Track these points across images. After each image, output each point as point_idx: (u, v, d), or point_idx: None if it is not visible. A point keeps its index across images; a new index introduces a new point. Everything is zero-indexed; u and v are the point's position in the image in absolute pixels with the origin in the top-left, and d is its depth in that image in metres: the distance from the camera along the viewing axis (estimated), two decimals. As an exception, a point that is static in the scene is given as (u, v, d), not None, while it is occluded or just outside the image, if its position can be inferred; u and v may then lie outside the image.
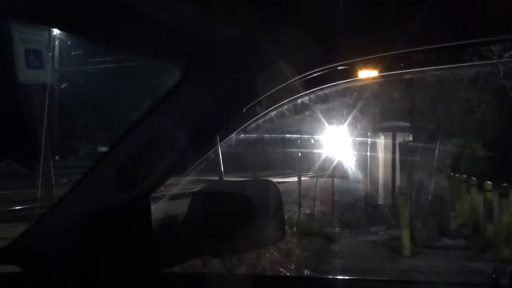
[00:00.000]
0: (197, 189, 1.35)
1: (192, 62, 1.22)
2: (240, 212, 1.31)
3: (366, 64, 1.23)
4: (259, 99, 1.27)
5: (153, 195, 1.37)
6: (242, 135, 1.45)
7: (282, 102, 1.33)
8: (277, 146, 17.82)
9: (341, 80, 1.28)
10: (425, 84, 17.55)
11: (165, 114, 1.28)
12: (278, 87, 1.25)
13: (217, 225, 1.28)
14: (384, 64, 1.24)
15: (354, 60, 1.19)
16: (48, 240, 1.35)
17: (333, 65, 1.19)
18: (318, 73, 1.21)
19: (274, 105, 1.33)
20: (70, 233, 1.32)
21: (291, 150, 16.58)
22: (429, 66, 1.21)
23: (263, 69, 1.20)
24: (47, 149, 9.15)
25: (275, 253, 7.49)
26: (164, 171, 1.32)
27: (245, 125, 1.37)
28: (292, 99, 1.33)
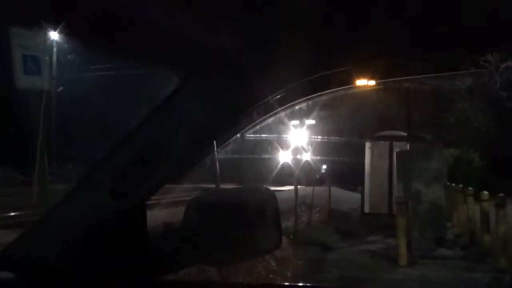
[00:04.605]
0: (192, 196, 1.34)
1: (189, 70, 1.22)
2: (236, 220, 1.31)
3: (364, 71, 1.23)
4: (257, 105, 1.27)
5: (149, 202, 1.36)
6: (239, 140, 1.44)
7: (279, 109, 1.33)
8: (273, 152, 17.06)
9: (339, 87, 1.29)
10: (422, 94, 17.64)
11: (162, 121, 1.28)
12: (275, 94, 1.25)
13: (213, 233, 1.27)
14: (381, 71, 1.25)
15: (352, 67, 1.19)
16: (42, 247, 1.34)
17: (330, 71, 1.19)
18: (315, 80, 1.21)
19: (272, 111, 1.33)
20: (65, 240, 1.32)
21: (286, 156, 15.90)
22: (427, 74, 1.21)
23: (260, 77, 1.20)
24: (43, 155, 9.14)
25: (271, 261, 7.46)
26: (160, 178, 1.31)
27: (242, 131, 1.37)
28: (289, 105, 1.33)
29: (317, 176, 15.62)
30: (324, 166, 17.06)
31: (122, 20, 1.10)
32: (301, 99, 1.31)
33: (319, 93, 1.29)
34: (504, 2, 1.02)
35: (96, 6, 1.02)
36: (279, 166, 14.95)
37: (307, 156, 15.02)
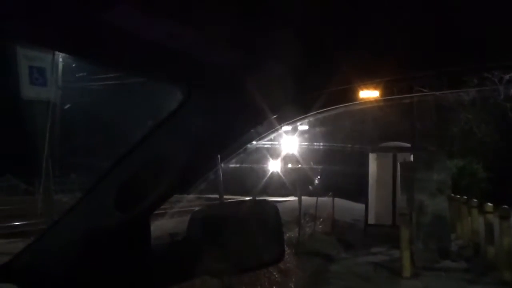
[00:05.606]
0: (196, 208, 1.35)
1: (193, 85, 1.23)
2: (239, 232, 1.32)
3: (367, 88, 1.24)
4: (261, 120, 1.28)
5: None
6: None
7: (283, 124, 1.34)
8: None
9: (342, 103, 1.30)
10: (425, 105, 17.62)
11: (167, 135, 1.29)
12: (279, 109, 1.26)
13: (216, 245, 1.28)
14: (384, 88, 1.26)
15: (355, 84, 1.21)
16: (47, 258, 1.35)
17: (334, 88, 1.21)
18: (318, 96, 1.23)
19: (275, 126, 1.35)
20: (69, 251, 1.32)
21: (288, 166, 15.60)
22: (430, 91, 1.23)
23: (264, 92, 1.21)
24: (48, 165, 9.17)
25: (274, 273, 7.43)
26: (164, 192, 1.32)
27: (246, 146, 1.38)
28: (293, 120, 1.35)
29: (310, 187, 15.32)
30: (318, 177, 16.55)
31: (126, 36, 1.11)
32: (306, 115, 1.33)
33: (323, 110, 1.30)
34: (506, 18, 1.04)
35: (100, 23, 1.04)
36: (267, 176, 14.63)
37: (303, 166, 14.77)
